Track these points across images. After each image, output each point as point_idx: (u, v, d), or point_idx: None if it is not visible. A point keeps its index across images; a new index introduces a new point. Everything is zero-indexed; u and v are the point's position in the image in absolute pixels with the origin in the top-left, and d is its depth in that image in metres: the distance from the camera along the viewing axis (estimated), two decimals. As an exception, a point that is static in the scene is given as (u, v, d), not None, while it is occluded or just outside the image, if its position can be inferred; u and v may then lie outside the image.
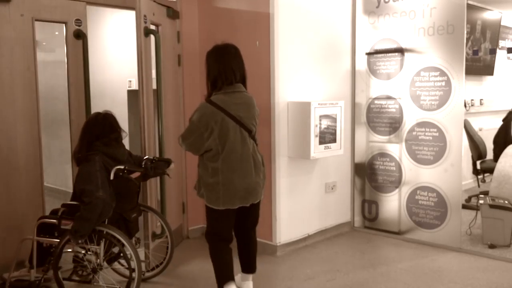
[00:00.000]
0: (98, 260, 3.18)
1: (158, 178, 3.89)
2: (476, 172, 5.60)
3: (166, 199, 3.96)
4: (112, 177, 3.15)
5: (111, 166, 3.19)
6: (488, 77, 6.82)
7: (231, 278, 3.15)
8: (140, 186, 3.45)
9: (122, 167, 3.17)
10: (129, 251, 3.14)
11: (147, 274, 3.66)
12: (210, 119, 2.93)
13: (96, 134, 3.23)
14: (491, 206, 4.21)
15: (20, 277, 3.38)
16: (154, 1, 4.03)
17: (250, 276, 3.43)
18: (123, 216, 3.27)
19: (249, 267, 3.40)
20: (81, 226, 3.03)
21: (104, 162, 3.16)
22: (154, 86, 5.60)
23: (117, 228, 3.19)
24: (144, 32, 3.66)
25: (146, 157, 3.50)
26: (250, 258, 3.40)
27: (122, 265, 3.55)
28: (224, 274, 3.16)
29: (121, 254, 3.22)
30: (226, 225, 3.14)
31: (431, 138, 4.33)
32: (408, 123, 4.47)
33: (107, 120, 3.31)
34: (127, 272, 3.45)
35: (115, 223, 3.22)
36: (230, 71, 3.00)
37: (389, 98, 4.59)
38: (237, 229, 3.31)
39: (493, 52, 6.65)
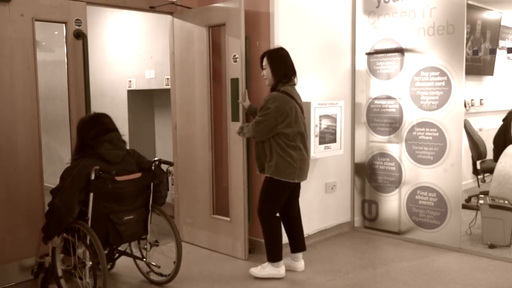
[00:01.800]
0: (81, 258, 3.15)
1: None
2: (476, 172, 5.60)
3: (252, 208, 4.13)
4: (92, 177, 3.08)
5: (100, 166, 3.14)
6: (488, 77, 6.82)
7: (282, 257, 3.66)
8: (145, 188, 3.37)
9: (98, 167, 3.09)
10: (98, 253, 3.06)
11: (159, 279, 3.62)
12: (285, 106, 3.47)
13: (83, 137, 3.27)
14: (491, 206, 4.21)
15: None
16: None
17: (301, 255, 3.82)
18: (110, 217, 3.19)
19: (301, 245, 3.81)
20: (45, 228, 3.08)
21: (92, 164, 3.11)
22: (155, 86, 5.59)
23: (105, 228, 3.16)
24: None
25: (155, 158, 3.47)
26: (301, 236, 3.81)
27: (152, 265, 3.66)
28: (280, 250, 3.63)
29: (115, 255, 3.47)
30: (282, 202, 3.62)
31: (431, 138, 4.33)
32: (408, 123, 4.47)
33: (94, 122, 3.30)
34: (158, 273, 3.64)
35: (103, 224, 3.17)
36: (294, 68, 3.63)
37: (389, 98, 4.59)
38: (287, 210, 3.74)
39: (493, 52, 6.64)
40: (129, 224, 3.29)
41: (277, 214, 3.68)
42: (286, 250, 3.78)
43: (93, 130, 3.25)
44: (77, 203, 3.06)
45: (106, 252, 3.38)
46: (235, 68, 3.99)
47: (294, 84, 3.64)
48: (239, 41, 3.93)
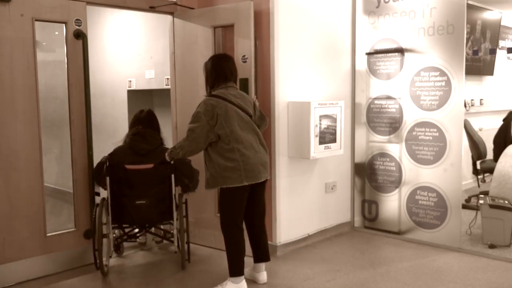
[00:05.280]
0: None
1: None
2: (476, 172, 5.60)
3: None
4: (107, 163, 3.76)
5: (125, 155, 3.81)
6: (488, 77, 6.82)
7: (243, 273, 3.44)
8: (161, 179, 3.80)
9: (106, 155, 3.81)
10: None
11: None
12: (214, 107, 3.34)
13: (129, 127, 4.11)
14: (491, 206, 4.21)
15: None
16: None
17: (264, 265, 3.63)
18: (123, 201, 3.77)
19: (263, 255, 3.62)
20: None
21: (121, 150, 3.85)
22: (155, 86, 5.60)
23: (120, 208, 3.78)
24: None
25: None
26: (264, 246, 3.64)
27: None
28: (241, 265, 3.42)
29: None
30: (241, 209, 3.45)
31: (431, 138, 4.33)
32: (408, 123, 4.47)
33: (140, 116, 4.06)
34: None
35: (118, 204, 3.78)
36: (227, 71, 3.51)
37: (389, 98, 4.59)
38: (249, 217, 3.57)
39: (493, 52, 6.65)
40: (141, 208, 3.77)
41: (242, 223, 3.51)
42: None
43: (130, 124, 4.05)
44: (99, 178, 3.82)
45: (134, 229, 4.17)
46: (244, 69, 4.01)
47: (229, 87, 3.47)
48: (248, 42, 3.96)
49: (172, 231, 3.99)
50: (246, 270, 3.68)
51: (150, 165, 3.76)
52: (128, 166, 3.74)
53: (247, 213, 3.53)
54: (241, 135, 3.36)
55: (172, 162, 3.71)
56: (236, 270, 3.40)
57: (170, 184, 3.84)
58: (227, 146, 3.33)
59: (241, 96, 3.51)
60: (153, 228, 4.25)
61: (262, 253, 3.62)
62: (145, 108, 4.18)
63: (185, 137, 3.42)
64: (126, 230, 4.14)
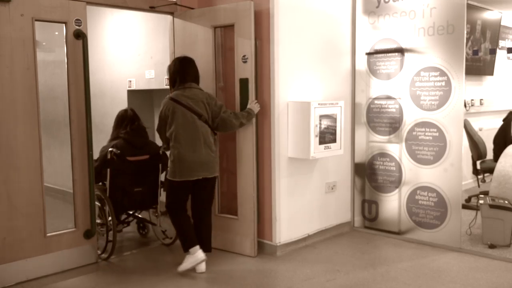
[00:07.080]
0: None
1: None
2: (476, 172, 5.60)
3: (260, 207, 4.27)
4: (108, 156, 4.09)
5: (124, 148, 4.16)
6: (488, 77, 6.82)
7: (195, 243, 3.78)
8: (154, 167, 4.33)
9: (110, 149, 4.11)
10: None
11: (167, 241, 4.48)
12: (166, 109, 3.75)
13: (116, 125, 4.40)
14: (491, 206, 4.21)
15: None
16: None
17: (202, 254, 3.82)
18: (124, 189, 4.19)
19: (204, 245, 3.84)
20: None
21: (118, 145, 4.16)
22: (155, 86, 5.60)
23: (118, 197, 4.17)
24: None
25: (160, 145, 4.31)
26: (203, 237, 3.88)
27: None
28: (188, 239, 3.79)
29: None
30: (181, 197, 3.85)
31: (431, 138, 4.33)
32: (408, 123, 4.47)
33: (126, 114, 4.38)
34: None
35: (118, 193, 4.16)
36: (185, 74, 3.82)
37: (389, 98, 4.59)
38: (193, 209, 3.92)
39: (493, 52, 6.65)
40: (139, 194, 4.28)
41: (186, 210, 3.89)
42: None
43: (118, 122, 4.38)
44: (100, 170, 4.16)
45: (125, 216, 4.54)
46: (244, 69, 4.03)
47: (186, 88, 3.77)
48: (249, 42, 3.98)
49: (156, 214, 4.46)
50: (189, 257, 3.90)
51: (147, 156, 4.28)
52: (129, 158, 4.17)
53: (192, 205, 3.92)
54: (182, 134, 3.71)
55: (161, 153, 4.27)
56: (186, 245, 3.78)
57: (158, 172, 4.38)
58: (172, 143, 3.76)
59: (194, 97, 3.77)
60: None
61: (201, 243, 3.82)
62: (128, 108, 4.58)
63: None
64: (121, 217, 4.52)
